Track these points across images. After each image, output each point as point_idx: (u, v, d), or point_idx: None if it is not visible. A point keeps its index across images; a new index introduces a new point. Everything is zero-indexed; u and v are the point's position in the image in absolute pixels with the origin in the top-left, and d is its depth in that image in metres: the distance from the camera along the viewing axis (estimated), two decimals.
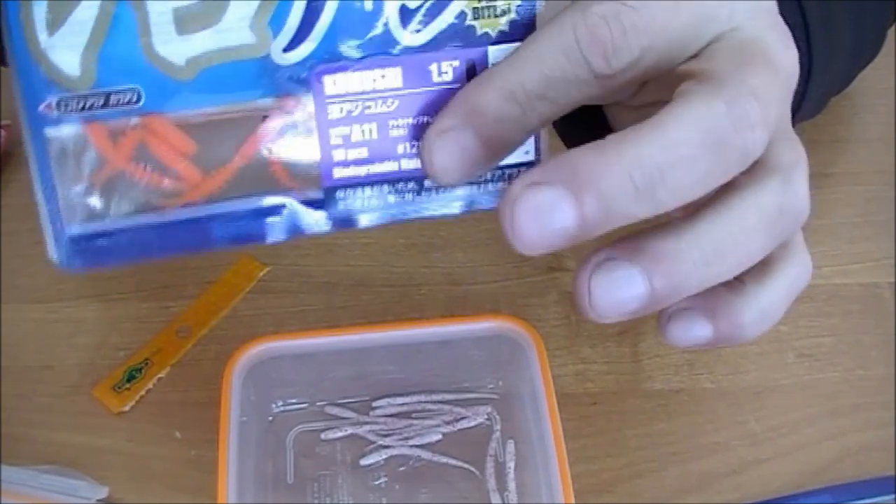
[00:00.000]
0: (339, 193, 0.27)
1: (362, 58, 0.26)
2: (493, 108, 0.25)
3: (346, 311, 0.46)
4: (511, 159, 0.28)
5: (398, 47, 0.26)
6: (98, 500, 0.39)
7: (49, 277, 0.47)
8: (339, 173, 0.27)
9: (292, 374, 0.40)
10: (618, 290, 0.25)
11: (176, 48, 0.25)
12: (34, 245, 0.48)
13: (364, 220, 0.28)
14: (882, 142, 0.53)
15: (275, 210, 0.27)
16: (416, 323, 0.41)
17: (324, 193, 0.27)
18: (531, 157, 0.28)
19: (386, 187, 0.27)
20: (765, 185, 0.25)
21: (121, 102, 0.25)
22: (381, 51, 0.26)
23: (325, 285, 0.47)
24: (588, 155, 0.24)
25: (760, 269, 0.27)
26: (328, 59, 0.26)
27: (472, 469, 0.39)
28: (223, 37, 0.25)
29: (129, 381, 0.43)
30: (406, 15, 0.26)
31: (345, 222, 0.28)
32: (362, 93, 0.26)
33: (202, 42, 0.25)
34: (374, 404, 0.41)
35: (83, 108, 0.25)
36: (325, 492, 0.39)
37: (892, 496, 0.38)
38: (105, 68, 0.24)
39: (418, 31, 0.26)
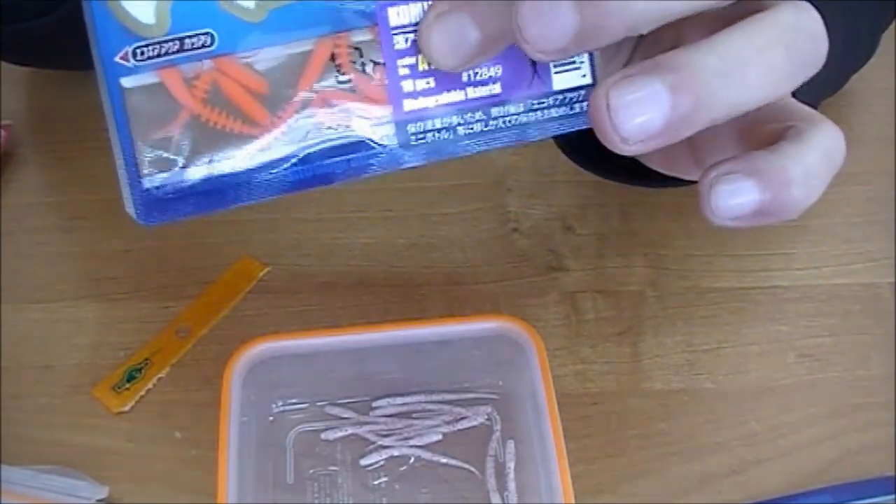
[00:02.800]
0: (411, 127, 0.27)
1: None
2: None
3: (346, 311, 0.46)
4: (569, 83, 0.28)
5: None
6: (98, 500, 0.39)
7: (49, 277, 0.47)
8: (409, 105, 0.27)
9: (292, 374, 0.40)
10: (639, 106, 0.24)
11: None
12: (34, 245, 0.49)
13: (436, 154, 0.28)
14: (882, 142, 0.53)
15: (349, 148, 0.27)
16: (416, 323, 0.41)
17: (395, 128, 0.27)
18: (588, 80, 0.28)
19: (455, 118, 0.28)
20: (780, 7, 0.25)
21: (195, 47, 0.26)
22: None
23: (325, 285, 0.47)
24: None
25: (793, 135, 0.26)
26: None
27: (472, 469, 0.39)
28: None
29: (129, 381, 0.43)
30: None
31: (418, 156, 0.28)
32: None
33: None
34: (374, 404, 0.41)
35: (159, 55, 0.25)
36: (325, 492, 0.39)
37: (892, 496, 0.38)
38: (179, 15, 0.25)
39: None
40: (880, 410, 0.42)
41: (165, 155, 0.26)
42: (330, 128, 0.27)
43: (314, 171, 0.27)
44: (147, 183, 0.26)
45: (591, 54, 0.29)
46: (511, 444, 0.40)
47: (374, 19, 0.27)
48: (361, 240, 0.49)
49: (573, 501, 0.34)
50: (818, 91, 0.43)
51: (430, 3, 0.27)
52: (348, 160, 0.27)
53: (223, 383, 0.37)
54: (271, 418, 0.41)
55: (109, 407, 0.42)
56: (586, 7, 0.23)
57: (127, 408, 0.42)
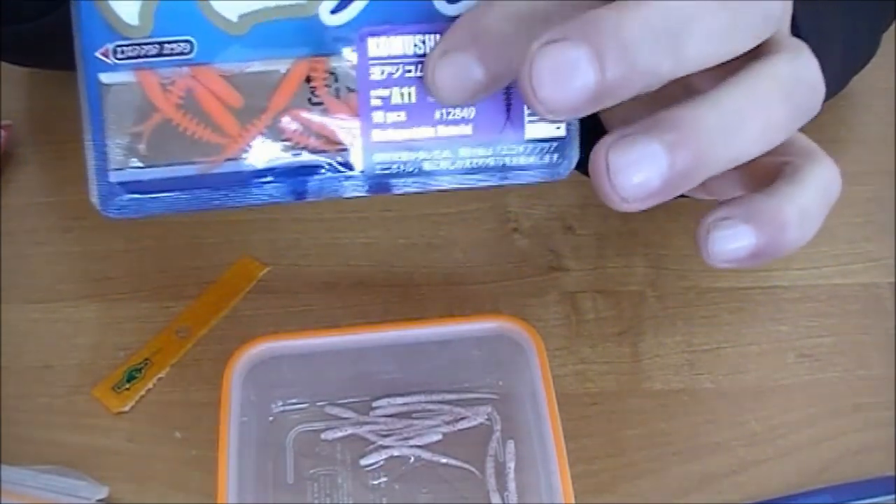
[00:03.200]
0: (377, 156, 0.28)
1: (405, 23, 0.27)
2: (496, 29, 0.25)
3: (346, 311, 0.46)
4: (541, 133, 0.28)
5: (438, 16, 0.27)
6: (98, 500, 0.39)
7: (49, 277, 0.47)
8: (377, 136, 0.28)
9: (292, 374, 0.40)
10: (638, 167, 0.24)
11: (230, 4, 0.26)
12: (34, 245, 0.49)
13: (399, 187, 0.28)
14: (882, 142, 0.53)
15: (312, 170, 0.28)
16: (416, 323, 0.41)
17: (362, 155, 0.28)
18: (562, 132, 0.28)
19: (422, 153, 0.28)
20: (779, 57, 0.25)
21: (174, 52, 0.26)
22: (423, 18, 0.27)
23: (325, 285, 0.47)
24: (607, 8, 0.23)
25: (790, 173, 0.26)
26: (373, 22, 0.27)
27: (472, 469, 0.39)
28: None
29: (129, 381, 0.43)
30: None
31: (380, 187, 0.28)
32: (404, 56, 0.27)
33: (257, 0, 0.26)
34: (374, 404, 0.41)
35: (138, 56, 0.26)
36: (325, 492, 0.39)
37: (892, 496, 0.38)
38: (162, 19, 0.26)
39: (456, 2, 0.27)
40: (880, 410, 0.42)
41: (135, 152, 0.27)
42: (297, 146, 0.27)
43: (276, 187, 0.28)
44: (114, 177, 0.27)
45: None
46: (511, 444, 0.40)
47: (353, 46, 0.27)
48: (361, 240, 0.49)
49: (573, 501, 0.34)
50: None
51: (411, 37, 0.27)
52: (311, 180, 0.28)
53: (223, 383, 0.37)
54: (271, 418, 0.41)
55: (109, 407, 0.42)
56: (608, 69, 0.23)
57: (127, 408, 0.42)
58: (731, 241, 0.26)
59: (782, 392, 0.43)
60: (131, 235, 0.49)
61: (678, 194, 0.25)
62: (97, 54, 0.26)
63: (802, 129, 0.28)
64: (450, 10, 0.27)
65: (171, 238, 0.49)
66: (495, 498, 0.38)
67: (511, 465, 0.39)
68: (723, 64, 0.25)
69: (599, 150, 0.24)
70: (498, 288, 0.46)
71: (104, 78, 0.26)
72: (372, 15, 0.27)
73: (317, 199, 0.28)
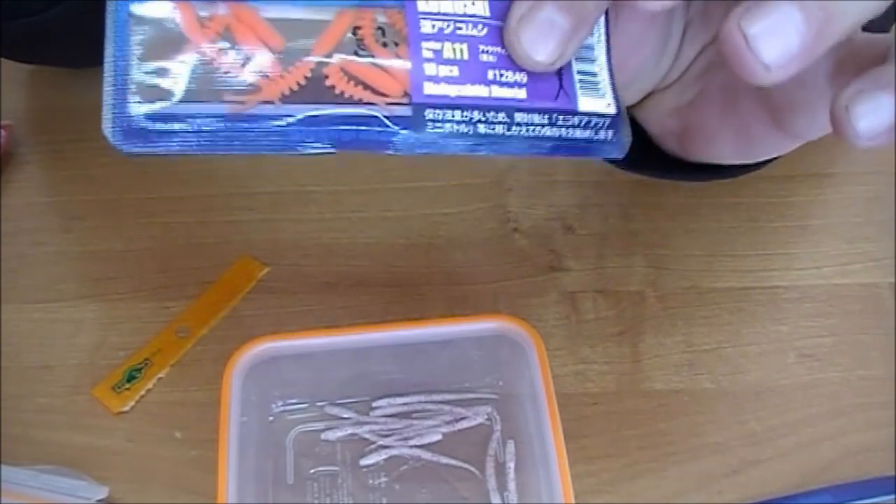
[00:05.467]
0: (429, 113, 0.26)
1: None
2: None
3: (346, 311, 0.46)
4: (594, 107, 0.28)
5: None
6: (98, 500, 0.39)
7: (49, 277, 0.47)
8: (429, 89, 0.26)
9: (292, 374, 0.40)
10: (776, 30, 0.24)
11: None
12: (34, 245, 0.49)
13: (451, 146, 0.27)
14: None
15: (357, 120, 0.26)
16: (416, 323, 0.40)
17: (412, 110, 0.26)
18: (612, 109, 0.28)
19: (476, 114, 0.27)
20: None
21: None
22: None
23: (325, 285, 0.47)
24: None
25: (883, 56, 0.26)
26: None
27: (472, 469, 0.40)
28: None
29: (129, 381, 0.43)
30: None
31: (431, 144, 0.26)
32: (454, 14, 0.26)
33: None
34: (374, 404, 0.41)
35: None
36: (325, 492, 0.39)
37: (892, 496, 0.38)
38: None
39: None
40: (880, 410, 0.42)
41: (160, 84, 0.24)
42: (343, 95, 0.26)
43: (318, 133, 0.25)
44: (133, 109, 0.24)
45: (614, 86, 0.28)
46: (511, 444, 0.40)
47: (402, 3, 0.26)
48: (361, 240, 0.49)
49: (573, 501, 0.34)
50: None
51: None
52: (357, 131, 0.26)
53: (223, 383, 0.37)
54: (271, 418, 0.41)
55: (109, 407, 0.42)
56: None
57: (127, 408, 0.42)
58: (876, 112, 0.25)
59: (782, 392, 0.43)
60: (131, 235, 0.49)
61: (813, 59, 0.25)
62: None
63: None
64: None
65: (171, 238, 0.49)
66: (495, 498, 0.38)
67: (511, 465, 0.39)
68: None
69: (732, 24, 0.24)
70: (498, 288, 0.46)
71: (136, 8, 0.24)
72: None
73: (359, 150, 0.26)
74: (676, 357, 0.44)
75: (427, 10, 0.26)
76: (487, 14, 0.27)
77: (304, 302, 0.46)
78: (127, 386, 0.43)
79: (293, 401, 0.41)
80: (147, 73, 0.24)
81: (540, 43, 0.26)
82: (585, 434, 0.41)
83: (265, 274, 0.47)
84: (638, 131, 0.37)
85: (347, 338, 0.39)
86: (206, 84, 0.25)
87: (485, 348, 0.40)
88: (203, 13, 0.25)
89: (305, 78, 0.25)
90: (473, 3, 0.27)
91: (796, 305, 0.46)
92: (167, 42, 0.25)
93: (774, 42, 0.24)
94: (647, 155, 0.37)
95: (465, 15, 0.27)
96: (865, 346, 0.44)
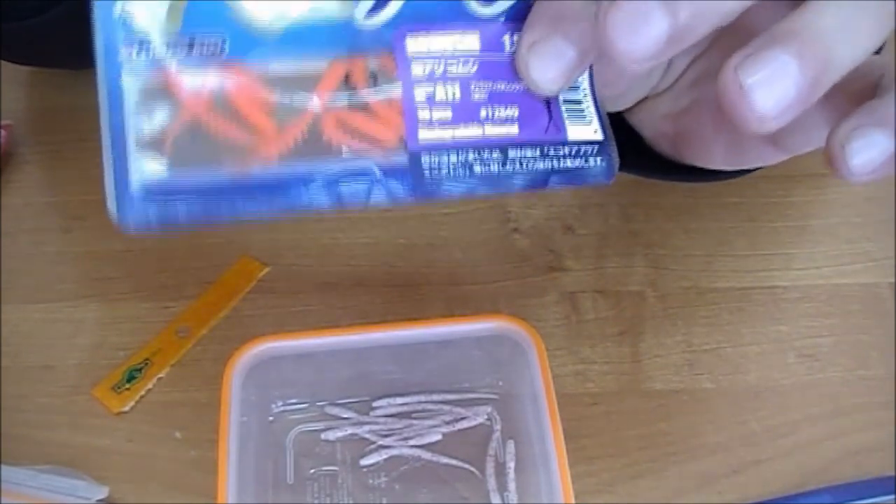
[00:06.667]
0: (425, 159, 0.26)
1: (442, 21, 0.26)
2: (571, 7, 0.26)
3: (346, 311, 0.46)
4: (582, 135, 0.28)
5: (473, 17, 0.26)
6: (98, 500, 0.39)
7: (49, 277, 0.47)
8: (424, 135, 0.26)
9: (292, 374, 0.40)
10: (772, 81, 0.24)
11: (263, 6, 0.25)
12: (34, 245, 0.49)
13: (449, 190, 0.26)
14: None
15: (355, 174, 0.26)
16: (416, 323, 0.40)
17: (408, 158, 0.26)
18: (599, 136, 0.28)
19: (472, 155, 0.27)
20: None
21: (206, 50, 0.25)
22: (458, 20, 0.26)
23: (325, 285, 0.47)
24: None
25: (888, 81, 0.26)
26: (408, 23, 0.26)
27: (472, 469, 0.40)
28: (311, 4, 0.25)
29: (129, 381, 0.43)
30: None
31: (427, 191, 0.26)
32: (443, 53, 0.26)
33: (290, 7, 0.25)
34: (374, 404, 0.41)
35: (166, 54, 0.24)
36: (325, 492, 0.39)
37: (892, 496, 0.38)
38: (192, 15, 0.24)
39: (490, 4, 0.27)
40: (880, 410, 0.42)
41: (160, 156, 0.24)
42: (340, 147, 0.25)
43: (318, 191, 0.25)
44: (135, 185, 0.24)
45: (598, 112, 0.28)
46: (511, 444, 0.40)
47: (391, 46, 0.26)
48: (361, 240, 0.49)
49: (573, 501, 0.34)
50: None
51: (449, 35, 0.26)
52: (356, 186, 0.26)
53: (223, 383, 0.37)
54: (271, 418, 0.41)
55: (109, 407, 0.42)
56: (679, 8, 0.23)
57: (127, 408, 0.42)
58: (870, 149, 0.25)
59: (782, 392, 0.43)
60: (131, 235, 0.48)
61: (809, 105, 0.24)
62: (121, 52, 0.24)
63: None
64: (485, 11, 0.26)
65: (171, 238, 0.49)
66: (495, 498, 0.38)
67: (511, 465, 0.39)
68: None
69: (728, 73, 0.24)
70: (498, 288, 0.46)
71: (127, 79, 0.24)
72: (407, 17, 0.26)
73: (360, 206, 0.26)
74: (676, 357, 0.44)
75: (417, 50, 0.26)
76: (478, 48, 0.27)
77: (304, 302, 0.46)
78: (127, 386, 0.43)
79: (293, 401, 0.41)
80: (145, 145, 0.24)
81: (549, 71, 0.26)
82: (585, 434, 0.41)
83: (265, 274, 0.47)
84: (633, 133, 0.37)
85: (347, 338, 0.40)
86: (203, 150, 0.25)
87: (485, 348, 0.40)
88: (195, 77, 0.25)
89: (302, 133, 0.25)
90: (463, 38, 0.26)
91: (796, 305, 0.46)
92: (162, 110, 0.24)
93: (770, 93, 0.24)
94: (642, 156, 0.37)
95: (455, 52, 0.26)
96: (865, 346, 0.44)
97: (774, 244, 0.48)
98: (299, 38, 0.25)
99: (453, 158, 0.26)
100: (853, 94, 0.26)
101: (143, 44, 0.24)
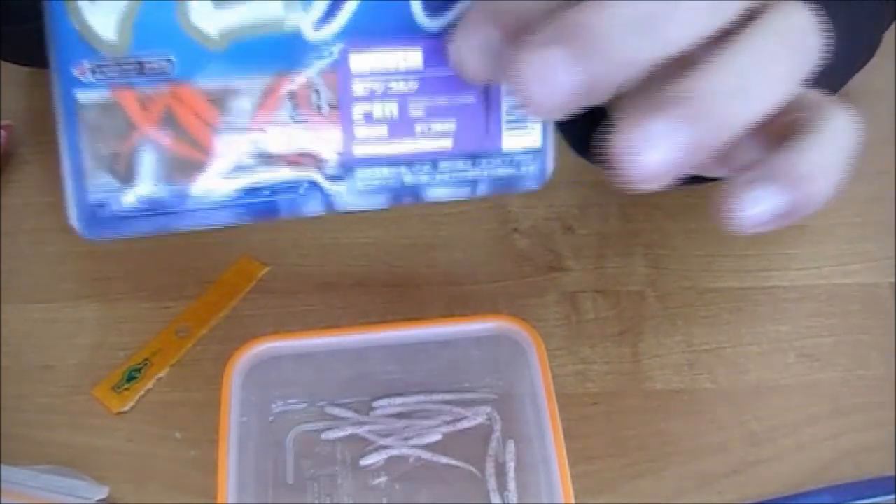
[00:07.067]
0: (359, 172, 0.28)
1: (387, 39, 0.27)
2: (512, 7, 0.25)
3: (346, 311, 0.46)
4: (518, 144, 0.29)
5: (420, 31, 0.27)
6: (98, 500, 0.39)
7: (49, 277, 0.47)
8: (359, 150, 0.28)
9: (292, 374, 0.40)
10: (657, 145, 0.23)
11: (211, 19, 0.25)
12: (34, 245, 0.49)
13: (378, 200, 0.28)
14: (882, 142, 0.53)
15: (296, 185, 0.27)
16: (416, 323, 0.41)
17: (343, 171, 0.28)
18: (538, 144, 0.29)
19: (403, 168, 0.28)
20: (772, 9, 0.25)
21: (154, 70, 0.25)
22: (406, 33, 0.27)
23: (325, 285, 0.47)
24: (578, 8, 0.23)
25: (803, 126, 0.26)
26: (355, 37, 0.26)
27: (472, 469, 0.39)
28: (257, 11, 0.26)
29: (129, 381, 0.43)
30: (428, 2, 0.27)
31: (360, 202, 0.28)
32: (385, 72, 0.27)
33: (236, 15, 0.25)
34: (374, 404, 0.41)
35: (117, 74, 0.25)
36: (325, 492, 0.39)
37: (892, 496, 0.38)
38: (141, 35, 0.25)
39: (438, 17, 0.27)
40: (880, 410, 0.42)
41: (114, 172, 0.26)
42: (279, 162, 0.27)
43: (258, 205, 0.27)
44: (93, 198, 0.26)
45: (544, 123, 0.29)
46: (511, 444, 0.40)
47: (335, 63, 0.27)
48: (361, 240, 0.49)
49: (573, 501, 0.34)
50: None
51: (393, 52, 0.27)
52: (293, 198, 0.28)
53: (223, 383, 0.37)
54: (271, 418, 0.41)
55: (109, 407, 0.42)
56: (586, 65, 0.23)
57: (127, 408, 0.42)
58: (758, 202, 0.25)
59: (782, 392, 0.43)
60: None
61: (696, 166, 0.24)
62: (74, 73, 0.25)
63: None
64: (432, 25, 0.27)
65: (171, 238, 0.48)
66: (495, 498, 0.38)
67: (511, 465, 0.39)
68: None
69: (614, 139, 0.24)
70: (498, 288, 0.46)
71: (81, 96, 0.25)
72: (354, 31, 0.26)
73: (295, 216, 0.28)
74: (676, 357, 0.44)
75: (360, 70, 0.27)
76: (420, 64, 0.27)
77: (304, 302, 0.46)
78: (127, 386, 0.43)
79: (293, 401, 0.41)
80: (100, 162, 0.26)
81: (482, 67, 0.26)
82: (585, 434, 0.41)
83: (265, 274, 0.47)
84: None
85: (347, 338, 0.40)
86: (154, 166, 0.26)
87: (484, 348, 0.40)
88: (144, 95, 0.26)
89: (246, 149, 0.27)
90: (406, 58, 0.27)
91: (796, 305, 0.46)
92: (115, 128, 0.26)
93: (656, 157, 0.23)
94: None
95: (397, 69, 0.27)
96: (865, 346, 0.44)
97: (774, 244, 0.48)
98: (247, 52, 0.26)
99: (385, 171, 0.28)
100: (779, 127, 0.26)
101: (96, 64, 0.25)
